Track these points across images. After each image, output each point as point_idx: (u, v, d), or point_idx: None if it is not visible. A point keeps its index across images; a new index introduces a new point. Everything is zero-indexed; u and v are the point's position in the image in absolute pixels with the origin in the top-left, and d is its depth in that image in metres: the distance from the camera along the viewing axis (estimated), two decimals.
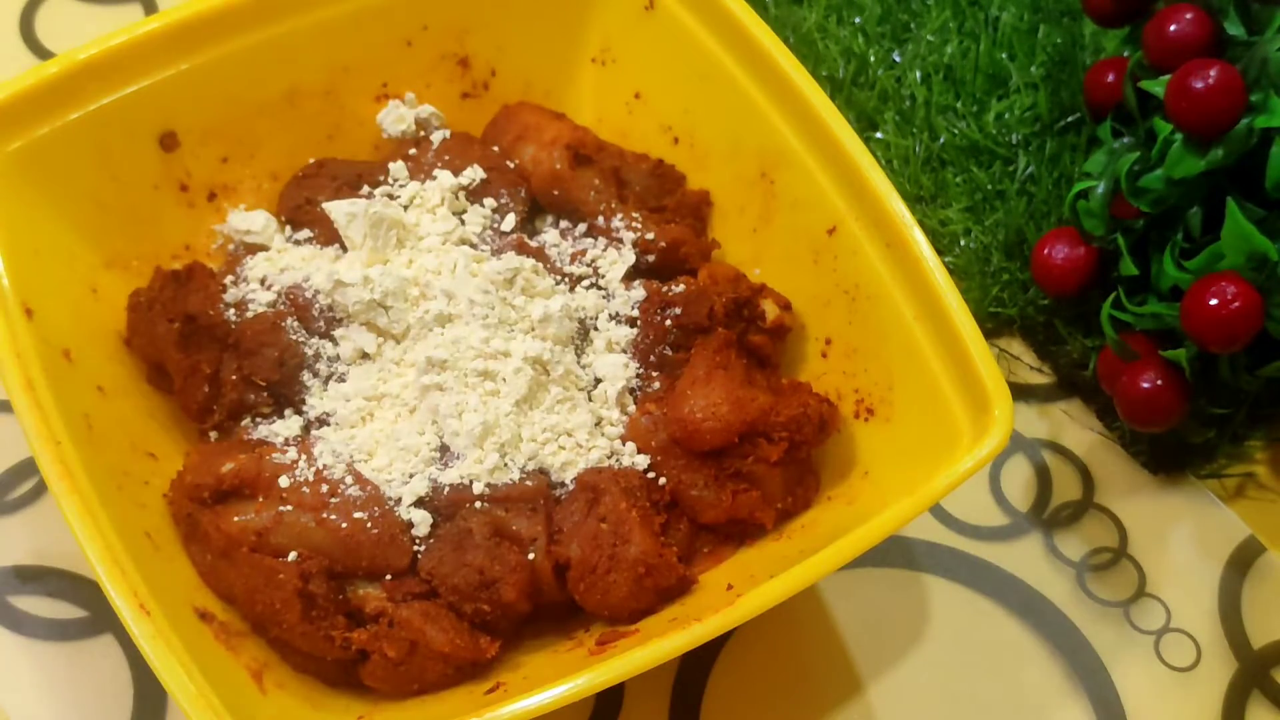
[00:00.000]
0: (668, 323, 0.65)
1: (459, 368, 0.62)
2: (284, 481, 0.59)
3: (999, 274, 0.78)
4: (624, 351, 0.66)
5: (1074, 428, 0.75)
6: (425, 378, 0.62)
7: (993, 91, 0.83)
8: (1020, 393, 0.76)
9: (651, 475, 0.63)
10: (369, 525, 0.59)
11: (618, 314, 0.66)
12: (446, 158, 0.71)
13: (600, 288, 0.68)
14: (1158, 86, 0.67)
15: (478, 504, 0.60)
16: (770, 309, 0.67)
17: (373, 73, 0.73)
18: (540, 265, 0.67)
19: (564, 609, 0.62)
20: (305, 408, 0.64)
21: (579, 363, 0.65)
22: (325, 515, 0.59)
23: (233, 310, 0.64)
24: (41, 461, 0.55)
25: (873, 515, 0.57)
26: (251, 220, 0.69)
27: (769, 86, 0.68)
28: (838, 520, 0.62)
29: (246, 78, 0.69)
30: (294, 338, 0.64)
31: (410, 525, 0.60)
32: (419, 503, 0.60)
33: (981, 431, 0.58)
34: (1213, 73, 0.63)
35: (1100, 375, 0.71)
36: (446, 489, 0.61)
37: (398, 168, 0.70)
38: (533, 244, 0.69)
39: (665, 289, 0.66)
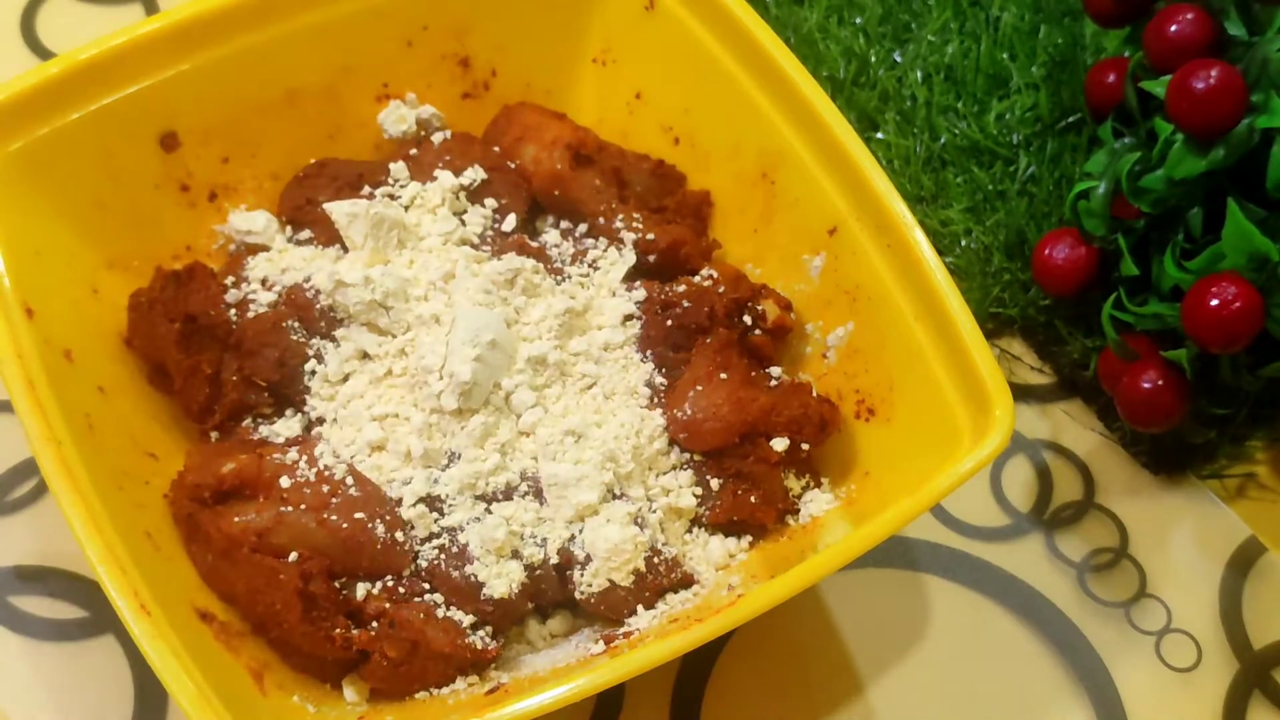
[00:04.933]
0: (668, 323, 0.65)
1: None
2: (285, 482, 0.59)
3: (1000, 274, 0.78)
4: None
5: (1074, 428, 0.75)
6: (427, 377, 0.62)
7: (993, 92, 0.83)
8: (1021, 393, 0.76)
9: None
10: (370, 525, 0.59)
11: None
12: (447, 158, 0.71)
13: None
14: (1158, 87, 0.66)
15: (479, 504, 0.60)
16: (770, 309, 0.67)
17: (373, 73, 0.73)
18: (541, 265, 0.67)
19: (564, 609, 0.62)
20: (306, 408, 0.64)
21: None
22: (326, 515, 0.59)
23: (234, 310, 0.64)
24: (42, 461, 0.55)
25: (873, 515, 0.57)
26: (252, 220, 0.69)
27: (770, 87, 0.68)
28: (838, 520, 0.62)
29: (247, 78, 0.69)
30: (295, 338, 0.64)
31: (411, 525, 0.60)
32: (420, 503, 0.60)
33: (982, 432, 0.58)
34: (1213, 73, 0.63)
35: (1101, 375, 0.70)
36: (447, 489, 0.61)
37: (398, 168, 0.70)
38: (534, 244, 0.69)
39: (666, 289, 0.66)
